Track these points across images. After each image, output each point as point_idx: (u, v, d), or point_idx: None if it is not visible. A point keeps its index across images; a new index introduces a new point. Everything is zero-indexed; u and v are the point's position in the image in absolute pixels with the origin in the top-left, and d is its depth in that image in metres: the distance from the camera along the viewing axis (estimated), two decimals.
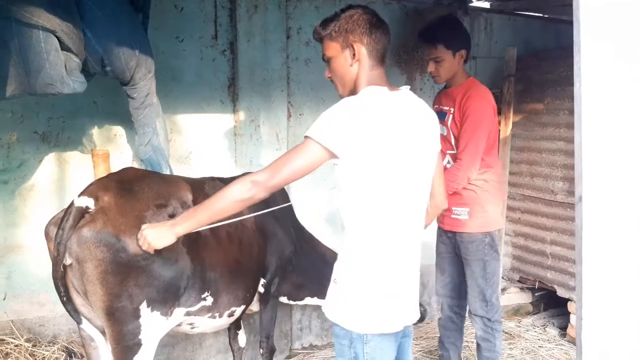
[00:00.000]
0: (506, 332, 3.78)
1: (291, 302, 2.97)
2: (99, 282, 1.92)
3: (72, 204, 1.97)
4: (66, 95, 2.13)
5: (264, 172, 1.58)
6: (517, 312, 4.22)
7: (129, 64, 2.26)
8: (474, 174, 2.61)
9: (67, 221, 1.91)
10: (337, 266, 1.68)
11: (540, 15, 4.33)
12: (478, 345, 2.79)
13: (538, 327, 3.96)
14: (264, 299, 2.66)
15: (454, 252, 2.79)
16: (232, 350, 2.90)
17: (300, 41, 3.43)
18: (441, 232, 2.81)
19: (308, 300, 2.97)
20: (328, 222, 3.61)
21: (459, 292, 2.87)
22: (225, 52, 3.21)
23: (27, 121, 2.77)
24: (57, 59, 1.95)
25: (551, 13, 4.27)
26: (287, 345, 3.49)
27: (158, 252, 1.87)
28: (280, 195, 2.51)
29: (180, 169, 2.95)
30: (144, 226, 1.74)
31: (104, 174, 2.60)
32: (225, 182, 2.51)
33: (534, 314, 4.18)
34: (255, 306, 2.69)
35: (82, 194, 2.01)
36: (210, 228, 2.03)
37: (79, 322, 2.08)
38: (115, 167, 2.79)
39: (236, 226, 2.30)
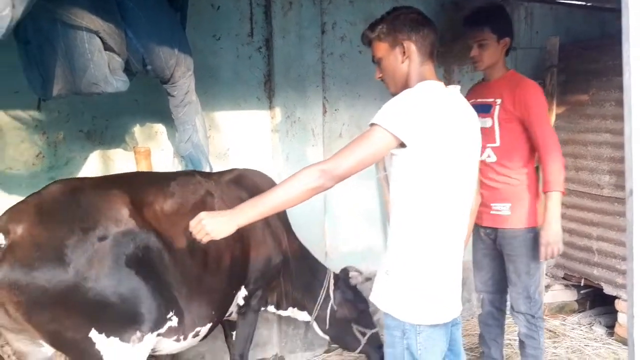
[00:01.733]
0: (550, 330, 3.68)
1: (277, 312, 2.83)
2: (29, 324, 1.78)
3: None
4: (109, 94, 2.18)
5: (331, 160, 1.56)
6: (561, 309, 4.09)
7: (168, 63, 2.30)
8: (560, 158, 2.50)
9: None
10: (388, 257, 1.70)
11: (583, 3, 4.17)
12: (521, 342, 2.73)
13: (584, 325, 3.83)
14: (242, 312, 2.50)
15: (495, 248, 2.73)
16: (229, 349, 2.80)
17: (335, 36, 3.42)
18: (479, 228, 2.75)
19: (290, 311, 2.81)
20: (363, 216, 3.61)
21: (499, 287, 2.82)
22: (260, 49, 3.24)
23: (73, 120, 2.87)
24: (100, 59, 2.02)
25: (594, 1, 4.11)
26: (326, 340, 3.49)
27: (94, 279, 1.79)
28: None
29: (219, 165, 2.99)
30: (202, 214, 1.62)
31: (147, 170, 2.68)
32: (212, 178, 2.44)
33: (579, 312, 4.05)
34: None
35: None
36: (164, 243, 1.96)
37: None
38: (157, 163, 2.87)
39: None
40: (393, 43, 1.70)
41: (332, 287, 2.75)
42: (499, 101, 2.58)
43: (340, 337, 2.82)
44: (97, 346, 1.85)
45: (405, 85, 1.71)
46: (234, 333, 2.58)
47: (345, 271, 2.88)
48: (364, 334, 2.78)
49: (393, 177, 1.68)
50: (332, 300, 2.73)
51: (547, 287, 4.04)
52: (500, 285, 2.82)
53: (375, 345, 2.77)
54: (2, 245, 1.74)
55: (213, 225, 1.60)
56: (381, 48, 1.73)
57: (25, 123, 2.79)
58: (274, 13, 3.17)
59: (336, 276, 2.82)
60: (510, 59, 3.72)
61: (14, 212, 1.86)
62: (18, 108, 2.75)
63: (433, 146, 1.57)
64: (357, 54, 3.46)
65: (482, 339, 2.95)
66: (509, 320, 3.32)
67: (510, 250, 2.63)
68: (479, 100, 2.67)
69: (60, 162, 2.86)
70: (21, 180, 2.78)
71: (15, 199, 2.23)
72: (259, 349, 3.38)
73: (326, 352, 3.48)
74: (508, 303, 2.86)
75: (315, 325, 2.84)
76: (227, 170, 2.68)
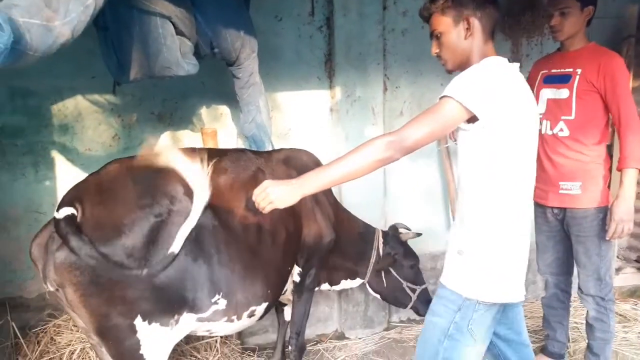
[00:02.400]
0: (620, 315, 3.53)
1: (331, 288, 2.86)
2: (84, 307, 1.79)
3: (57, 220, 1.77)
4: (179, 77, 2.27)
5: (399, 132, 1.53)
6: (633, 294, 3.91)
7: (235, 45, 2.37)
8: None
9: (71, 237, 1.72)
10: (460, 237, 1.69)
11: None
12: (590, 325, 2.65)
13: None
14: (298, 290, 2.51)
15: (561, 229, 2.64)
16: (278, 323, 2.87)
17: (397, 12, 3.36)
18: (544, 209, 2.67)
19: (343, 284, 2.84)
20: (423, 195, 3.58)
21: (565, 269, 2.75)
22: (321, 28, 3.25)
23: (145, 103, 3.02)
24: (172, 44, 2.10)
25: None
26: (385, 317, 3.54)
27: (146, 263, 1.77)
28: None
29: (280, 145, 3.06)
30: (266, 182, 1.60)
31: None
32: (262, 156, 2.45)
33: None
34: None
35: (61, 205, 1.82)
36: (218, 218, 1.91)
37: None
38: (223, 143, 2.97)
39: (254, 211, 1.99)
40: (457, 18, 1.65)
41: (381, 246, 2.76)
42: (579, 71, 2.46)
43: (391, 294, 2.83)
44: (139, 334, 1.85)
45: (466, 63, 1.66)
46: (291, 312, 2.62)
47: (393, 228, 2.89)
48: (414, 290, 2.79)
49: (462, 155, 1.66)
50: (382, 260, 2.75)
51: (618, 270, 3.87)
52: (565, 267, 2.74)
53: (425, 301, 2.77)
54: (74, 214, 1.77)
55: (277, 194, 1.57)
56: (443, 22, 1.67)
57: (102, 107, 2.97)
58: None
59: (385, 233, 2.82)
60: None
61: (77, 191, 1.89)
62: (95, 92, 2.93)
63: (505, 121, 1.54)
64: (420, 29, 3.38)
65: (547, 321, 2.89)
66: (575, 302, 3.22)
67: (579, 231, 2.54)
68: (554, 70, 2.56)
69: (134, 142, 3.03)
70: (99, 160, 2.94)
71: None
72: (320, 324, 3.47)
73: (385, 329, 3.52)
74: (573, 285, 2.78)
75: (367, 286, 2.88)
76: (275, 150, 2.70)
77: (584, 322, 2.77)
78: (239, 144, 3.12)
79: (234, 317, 2.11)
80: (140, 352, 1.87)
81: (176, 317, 1.93)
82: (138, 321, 1.83)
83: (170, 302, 1.89)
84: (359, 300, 3.45)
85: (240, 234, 2.08)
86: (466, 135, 1.61)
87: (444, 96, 1.54)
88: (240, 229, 2.08)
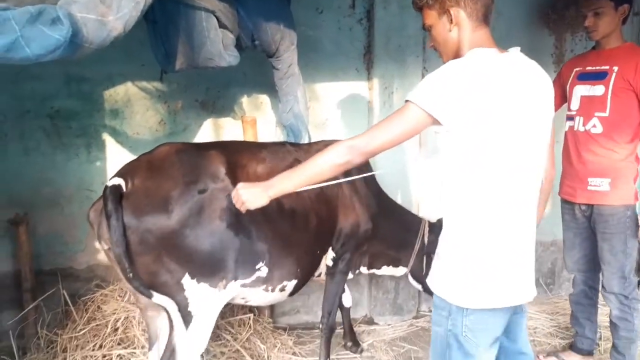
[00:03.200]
0: None
1: (369, 271, 2.91)
2: (135, 263, 1.96)
3: (106, 187, 1.99)
4: (222, 67, 2.40)
5: (361, 136, 1.54)
6: None
7: (274, 38, 2.46)
8: None
9: (110, 206, 1.92)
10: (440, 241, 1.63)
11: None
12: (614, 324, 2.63)
13: None
14: (331, 273, 2.62)
15: (588, 226, 2.64)
16: (340, 310, 2.94)
17: None
18: (571, 205, 2.67)
19: (384, 270, 2.90)
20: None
21: (592, 266, 2.74)
22: (361, 20, 3.29)
23: (189, 91, 3.17)
24: (216, 36, 2.23)
25: None
26: (415, 306, 3.60)
27: (191, 228, 1.97)
28: (363, 165, 2.46)
29: (317, 135, 3.14)
30: (239, 185, 1.73)
31: (253, 138, 2.90)
32: (302, 148, 2.52)
33: None
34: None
35: (114, 176, 2.06)
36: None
37: (149, 297, 2.06)
38: (262, 132, 3.08)
39: (289, 196, 2.13)
40: (441, 10, 1.58)
41: (427, 236, 2.78)
42: (616, 69, 2.45)
43: None
44: (187, 292, 2.03)
45: (457, 54, 1.58)
46: (324, 293, 2.72)
47: (441, 220, 2.90)
48: None
49: (441, 156, 1.58)
50: (426, 248, 2.78)
51: None
52: (592, 264, 2.74)
53: None
54: (123, 190, 2.00)
55: (247, 196, 1.69)
56: (430, 16, 1.62)
57: (149, 93, 3.14)
58: None
59: (431, 224, 2.84)
60: (626, 29, 3.43)
61: (130, 166, 2.12)
62: (144, 80, 3.10)
63: (475, 122, 1.44)
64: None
65: (575, 318, 2.88)
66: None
67: (605, 228, 2.53)
68: (589, 68, 2.56)
69: (179, 128, 3.19)
70: (146, 144, 3.13)
71: None
72: (350, 309, 3.56)
73: (414, 318, 3.57)
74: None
75: (409, 277, 2.92)
76: (315, 142, 2.78)
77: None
78: (277, 132, 3.23)
79: (270, 288, 2.31)
80: (189, 309, 2.05)
81: (224, 281, 2.11)
82: (186, 279, 2.02)
83: (215, 266, 2.07)
84: (388, 288, 3.52)
85: (277, 216, 2.26)
86: (439, 137, 1.54)
87: (407, 100, 1.50)
88: (276, 212, 2.25)
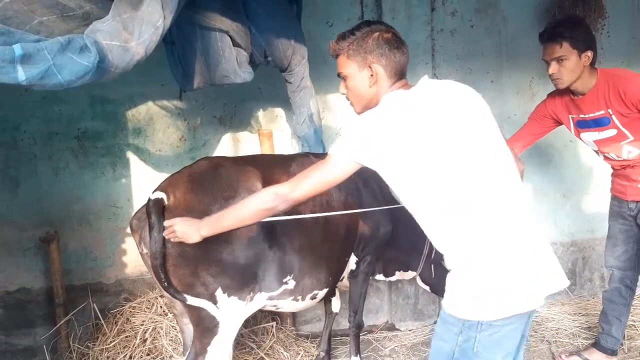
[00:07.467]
0: None
1: (385, 279, 2.96)
2: (172, 274, 2.03)
3: (149, 200, 2.05)
4: (237, 84, 2.50)
5: (287, 184, 1.61)
6: None
7: (286, 53, 2.56)
8: None
9: (153, 218, 1.98)
10: (445, 264, 1.60)
11: None
12: None
13: None
14: (354, 275, 2.69)
15: (634, 224, 2.67)
16: (326, 313, 3.02)
17: (445, 12, 3.43)
18: (621, 202, 2.70)
19: (398, 275, 2.95)
20: None
21: (631, 265, 2.75)
22: None
23: (207, 107, 3.29)
24: (230, 55, 2.33)
25: None
26: (435, 311, 3.62)
27: (229, 242, 2.02)
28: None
29: (332, 144, 3.21)
30: (176, 219, 1.83)
31: (270, 151, 2.99)
32: (320, 157, 2.59)
33: None
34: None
35: (156, 190, 2.12)
36: (290, 213, 1.99)
37: (184, 301, 2.10)
38: (278, 144, 3.17)
39: (321, 207, 2.29)
40: (362, 64, 1.59)
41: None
42: (611, 111, 2.44)
43: (443, 286, 2.88)
44: (219, 304, 2.09)
45: (372, 106, 1.60)
46: (349, 293, 2.79)
47: None
48: None
49: (396, 193, 1.59)
50: (435, 251, 2.81)
51: None
52: (632, 262, 2.75)
53: None
54: (165, 203, 2.06)
55: (181, 232, 1.80)
56: (348, 66, 1.62)
57: (169, 111, 3.27)
58: None
59: None
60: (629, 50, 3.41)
61: (172, 180, 2.19)
62: (164, 99, 3.23)
63: (407, 156, 1.45)
64: (469, 28, 3.43)
65: (605, 315, 2.88)
66: (635, 300, 3.16)
67: None
68: (582, 116, 2.55)
69: (198, 143, 3.31)
70: (168, 160, 3.27)
71: (163, 175, 2.66)
72: (371, 315, 3.60)
73: (435, 322, 3.58)
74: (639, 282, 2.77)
75: (418, 279, 2.97)
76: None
77: None
78: (293, 143, 3.32)
79: (299, 297, 2.38)
80: (218, 320, 2.11)
81: (251, 294, 2.18)
82: (219, 293, 2.09)
83: (247, 279, 2.14)
84: (409, 294, 3.55)
85: (311, 228, 2.32)
86: (381, 175, 1.55)
87: (330, 152, 1.55)
88: (310, 224, 2.31)
